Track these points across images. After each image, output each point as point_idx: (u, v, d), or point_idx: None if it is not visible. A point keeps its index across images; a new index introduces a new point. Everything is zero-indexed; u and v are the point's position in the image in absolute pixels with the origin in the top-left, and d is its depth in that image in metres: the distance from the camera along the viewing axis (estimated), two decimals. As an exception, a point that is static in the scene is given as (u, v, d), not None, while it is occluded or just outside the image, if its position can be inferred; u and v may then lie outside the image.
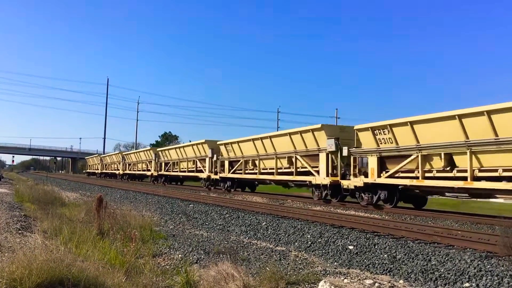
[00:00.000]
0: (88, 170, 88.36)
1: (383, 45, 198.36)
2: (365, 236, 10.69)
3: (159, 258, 10.07)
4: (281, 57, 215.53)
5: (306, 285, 7.10)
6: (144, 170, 52.90)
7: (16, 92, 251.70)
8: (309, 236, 11.48)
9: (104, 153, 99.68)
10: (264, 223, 13.74)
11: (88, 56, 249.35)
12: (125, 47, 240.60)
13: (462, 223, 14.66)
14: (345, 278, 7.49)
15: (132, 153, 59.75)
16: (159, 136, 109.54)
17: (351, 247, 9.90)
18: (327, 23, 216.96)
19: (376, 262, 8.75)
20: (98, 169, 77.75)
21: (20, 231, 10.61)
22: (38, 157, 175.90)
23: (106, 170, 71.63)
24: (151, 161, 49.77)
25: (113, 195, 27.84)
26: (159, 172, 47.59)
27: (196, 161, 38.13)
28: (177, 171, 42.98)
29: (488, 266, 7.57)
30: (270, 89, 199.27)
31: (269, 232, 12.63)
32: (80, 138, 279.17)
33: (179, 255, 9.90)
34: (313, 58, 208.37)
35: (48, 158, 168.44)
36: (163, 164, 46.78)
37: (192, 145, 38.98)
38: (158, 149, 49.77)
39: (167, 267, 9.30)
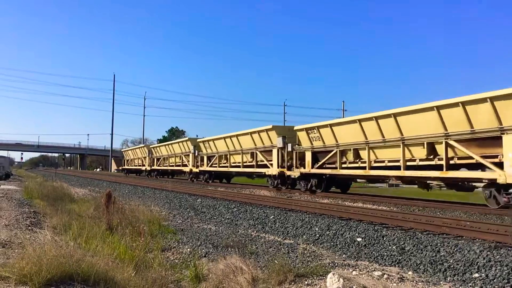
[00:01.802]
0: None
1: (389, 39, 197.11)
2: (373, 228, 10.67)
3: (168, 252, 10.10)
4: (288, 51, 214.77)
5: (315, 278, 7.09)
6: (178, 165, 46.58)
7: (24, 89, 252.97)
8: (317, 229, 11.48)
9: (111, 149, 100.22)
10: (272, 216, 13.75)
11: (93, 52, 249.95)
12: (131, 42, 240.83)
13: (470, 214, 14.60)
14: (354, 270, 7.49)
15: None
16: (166, 131, 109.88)
17: (359, 239, 9.89)
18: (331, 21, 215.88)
19: (385, 254, 8.74)
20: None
21: (29, 227, 10.68)
22: (46, 154, 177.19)
23: (128, 166, 66.17)
24: (189, 154, 43.43)
25: (122, 190, 27.96)
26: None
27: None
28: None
29: (498, 257, 7.54)
30: (278, 83, 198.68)
31: (277, 226, 12.64)
32: (88, 135, 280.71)
33: (188, 249, 9.93)
34: (321, 51, 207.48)
35: (56, 154, 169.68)
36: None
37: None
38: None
39: (176, 261, 9.34)
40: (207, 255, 9.30)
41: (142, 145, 55.92)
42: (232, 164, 34.24)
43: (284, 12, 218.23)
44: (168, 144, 48.59)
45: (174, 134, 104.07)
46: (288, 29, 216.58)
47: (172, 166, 48.14)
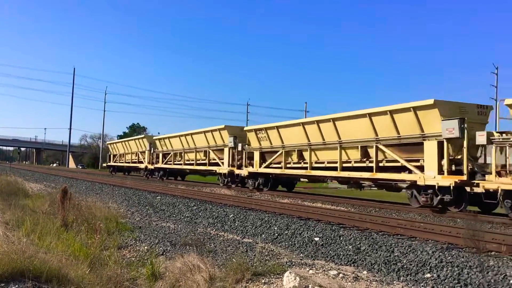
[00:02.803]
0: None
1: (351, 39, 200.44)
2: (331, 228, 10.84)
3: (124, 250, 9.96)
4: (253, 50, 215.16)
5: (272, 276, 7.14)
6: (199, 164, 33.25)
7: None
8: (276, 228, 11.56)
9: (69, 144, 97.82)
10: (232, 215, 13.76)
11: (53, 45, 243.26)
12: (92, 36, 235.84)
13: (425, 215, 15.01)
14: (310, 269, 7.57)
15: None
16: (127, 127, 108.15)
17: (317, 239, 10.02)
18: (296, 18, 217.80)
19: (341, 253, 8.88)
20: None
21: (-20, 223, 10.31)
22: (0, 147, 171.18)
23: (116, 162, 52.21)
24: (145, 152, 41.52)
25: (79, 186, 27.36)
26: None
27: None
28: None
29: (449, 258, 7.79)
30: (243, 82, 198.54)
31: (236, 224, 12.66)
32: (45, 129, 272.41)
33: (145, 247, 9.82)
34: (285, 52, 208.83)
35: (11, 148, 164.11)
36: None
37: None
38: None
39: (133, 259, 9.22)
40: (164, 253, 9.22)
41: (140, 135, 47.60)
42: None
43: (252, 11, 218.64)
44: (124, 141, 49.02)
45: (135, 130, 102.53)
46: (256, 29, 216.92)
47: (128, 162, 48.51)
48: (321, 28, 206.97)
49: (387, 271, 7.68)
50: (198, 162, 32.89)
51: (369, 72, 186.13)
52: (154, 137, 42.29)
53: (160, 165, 39.59)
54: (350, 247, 9.18)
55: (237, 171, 27.14)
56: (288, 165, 23.65)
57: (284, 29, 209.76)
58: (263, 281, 6.89)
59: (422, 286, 6.93)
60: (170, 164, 37.53)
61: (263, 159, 25.35)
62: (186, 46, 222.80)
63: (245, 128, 27.01)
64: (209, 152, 30.96)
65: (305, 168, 22.23)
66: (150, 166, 40.85)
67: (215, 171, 29.86)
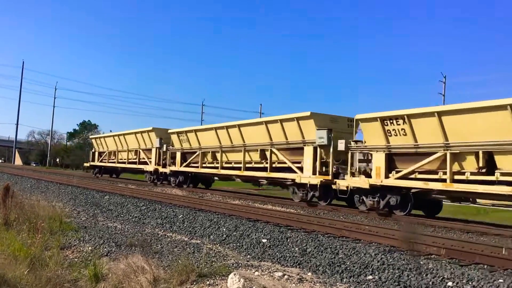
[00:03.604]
0: None
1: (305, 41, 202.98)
2: (279, 229, 10.93)
3: (67, 250, 9.70)
4: (210, 51, 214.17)
5: (217, 278, 7.13)
6: (130, 163, 35.25)
7: None
8: (224, 229, 11.54)
9: (16, 140, 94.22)
10: (181, 216, 13.64)
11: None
12: (42, 28, 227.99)
13: (371, 218, 15.38)
14: (256, 270, 7.60)
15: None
16: (77, 124, 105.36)
17: (264, 240, 10.07)
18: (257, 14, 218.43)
19: (288, 255, 8.96)
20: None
21: None
22: None
23: (104, 162, 41.20)
24: (150, 149, 32.00)
25: (24, 184, 26.43)
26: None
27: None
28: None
29: (391, 260, 8.00)
30: (199, 82, 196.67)
31: (185, 225, 12.56)
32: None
33: (89, 248, 9.58)
34: (242, 51, 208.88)
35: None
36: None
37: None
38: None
39: (76, 260, 9.00)
40: (109, 254, 9.03)
41: (146, 128, 32.87)
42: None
43: (206, 13, 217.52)
44: (118, 135, 37.65)
45: (86, 127, 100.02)
46: (210, 31, 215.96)
47: (123, 163, 38.07)
48: (275, 31, 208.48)
49: (331, 272, 7.81)
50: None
51: (319, 76, 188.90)
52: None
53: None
54: (296, 249, 9.28)
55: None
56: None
57: (238, 35, 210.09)
58: (207, 282, 6.87)
59: (364, 287, 7.09)
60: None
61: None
62: (137, 45, 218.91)
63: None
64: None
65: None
66: (163, 170, 30.21)
67: (292, 180, 27.39)
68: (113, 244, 9.70)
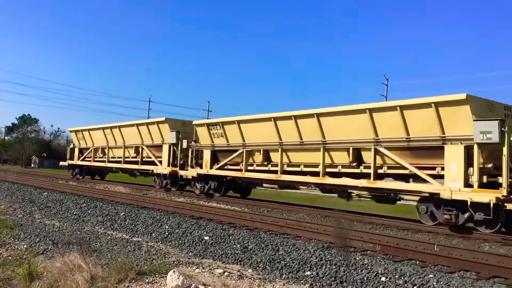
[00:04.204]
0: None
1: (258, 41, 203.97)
2: (222, 227, 10.97)
3: (1, 248, 9.37)
4: (160, 48, 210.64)
5: (157, 276, 7.07)
6: (128, 162, 27.84)
7: None
8: (167, 226, 11.46)
9: None
10: (123, 213, 13.42)
11: None
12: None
13: (313, 216, 15.69)
14: (197, 268, 7.60)
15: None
16: (16, 118, 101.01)
17: (206, 238, 10.09)
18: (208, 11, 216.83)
19: (229, 252, 9.02)
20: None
21: None
22: None
23: (89, 161, 32.54)
24: (160, 146, 24.87)
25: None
26: (69, 162, 34.93)
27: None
28: (89, 161, 32.11)
29: (328, 256, 8.23)
30: (147, 78, 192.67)
31: (126, 223, 12.36)
32: None
33: (24, 246, 9.27)
34: (190, 48, 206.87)
35: None
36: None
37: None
38: (70, 130, 35.97)
39: (10, 258, 8.68)
40: (45, 252, 8.78)
41: (153, 119, 27.28)
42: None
43: (157, 11, 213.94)
44: (110, 128, 29.53)
45: (26, 122, 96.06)
46: (159, 28, 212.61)
47: (116, 162, 29.33)
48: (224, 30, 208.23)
49: (271, 269, 7.94)
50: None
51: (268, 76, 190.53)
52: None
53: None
54: (238, 246, 9.36)
55: (183, 172, 22.54)
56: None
57: (191, 31, 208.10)
58: (147, 280, 6.80)
59: (302, 283, 7.25)
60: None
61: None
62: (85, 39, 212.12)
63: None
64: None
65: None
66: (185, 173, 22.58)
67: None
68: (50, 242, 9.43)
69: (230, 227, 10.99)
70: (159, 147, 24.08)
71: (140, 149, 26.09)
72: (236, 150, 19.71)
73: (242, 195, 22.39)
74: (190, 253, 9.24)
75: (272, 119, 17.71)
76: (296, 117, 16.96)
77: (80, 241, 9.27)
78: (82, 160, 33.17)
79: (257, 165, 18.94)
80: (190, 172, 22.07)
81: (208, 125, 21.25)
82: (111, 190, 22.40)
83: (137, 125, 26.49)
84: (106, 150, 30.18)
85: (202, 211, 13.73)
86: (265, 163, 18.55)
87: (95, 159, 31.52)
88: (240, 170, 19.46)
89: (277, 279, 7.41)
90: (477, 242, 11.64)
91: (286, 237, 10.02)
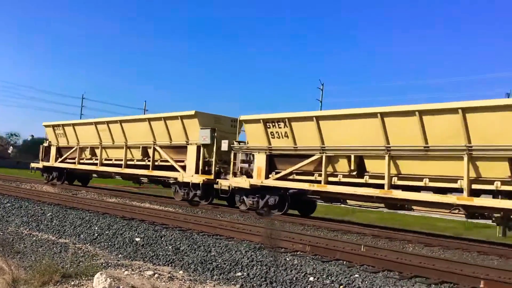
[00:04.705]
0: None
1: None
2: (154, 228, 10.82)
3: None
4: (98, 43, 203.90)
5: (83, 278, 6.90)
6: (131, 166, 22.82)
7: None
8: (96, 228, 11.15)
9: None
10: (50, 213, 12.90)
11: None
12: None
13: (247, 217, 15.82)
14: (126, 270, 7.48)
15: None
16: None
17: (138, 239, 9.91)
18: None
19: (160, 253, 8.92)
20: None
21: None
22: None
23: (64, 162, 26.98)
24: (183, 147, 19.89)
25: None
26: (45, 163, 27.91)
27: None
28: (73, 163, 26.00)
29: (260, 257, 8.33)
30: (78, 73, 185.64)
31: (53, 224, 11.90)
32: None
33: None
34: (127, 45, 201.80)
35: None
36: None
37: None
38: (45, 124, 28.45)
39: None
40: (-38, 254, 8.28)
41: (176, 112, 20.10)
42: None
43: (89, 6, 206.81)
44: (105, 123, 24.03)
45: None
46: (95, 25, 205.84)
47: (113, 165, 24.09)
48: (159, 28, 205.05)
49: (202, 270, 7.93)
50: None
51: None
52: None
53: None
54: (170, 247, 9.27)
55: (223, 182, 17.65)
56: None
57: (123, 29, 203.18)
58: (72, 283, 6.63)
59: (233, 284, 7.30)
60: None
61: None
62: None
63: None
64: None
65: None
66: (228, 183, 17.64)
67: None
68: (-32, 244, 8.91)
69: (163, 228, 10.86)
70: (180, 149, 19.71)
71: (151, 150, 21.09)
72: (308, 156, 15.32)
73: (303, 212, 17.87)
74: (120, 255, 9.05)
75: (379, 114, 13.45)
76: (421, 113, 12.82)
77: (2, 242, 8.85)
78: (62, 161, 26.69)
79: (344, 176, 14.62)
80: (238, 182, 16.96)
81: (265, 121, 16.31)
82: (38, 190, 21.47)
83: (149, 119, 21.19)
84: (98, 151, 24.39)
85: (134, 211, 13.47)
86: (354, 173, 14.47)
87: (81, 161, 25.56)
88: (315, 181, 15.03)
89: (207, 280, 7.43)
90: (402, 243, 12.22)
91: (219, 238, 10.04)
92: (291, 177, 15.84)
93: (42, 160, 27.46)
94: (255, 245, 9.30)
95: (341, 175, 14.61)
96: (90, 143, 24.85)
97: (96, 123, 24.26)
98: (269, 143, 16.25)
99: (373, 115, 13.69)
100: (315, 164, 15.16)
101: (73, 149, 25.76)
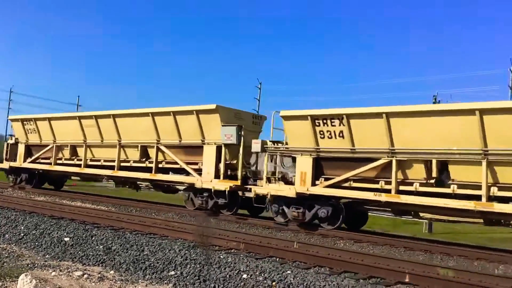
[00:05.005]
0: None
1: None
2: (84, 227, 10.51)
3: None
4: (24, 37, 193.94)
5: (7, 280, 6.59)
6: (125, 169, 19.22)
7: None
8: (22, 227, 10.67)
9: None
10: (-30, 213, 12.21)
11: None
12: None
13: (182, 215, 15.68)
14: (54, 271, 7.21)
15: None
16: None
17: (67, 239, 9.58)
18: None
19: (91, 253, 8.66)
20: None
21: None
22: None
23: (35, 162, 22.87)
24: (197, 147, 16.92)
25: None
26: (12, 164, 23.53)
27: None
28: (48, 163, 22.10)
29: (194, 255, 8.30)
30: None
31: (-25, 224, 11.27)
32: None
33: None
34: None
35: None
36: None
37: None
38: (12, 118, 24.78)
39: None
40: None
41: (191, 106, 16.80)
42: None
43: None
44: (93, 117, 20.24)
45: None
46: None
47: (102, 167, 20.19)
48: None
49: (135, 270, 7.78)
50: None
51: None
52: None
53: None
54: (101, 247, 9.03)
55: (258, 190, 14.75)
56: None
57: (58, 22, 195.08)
58: (-6, 285, 6.29)
59: (166, 283, 7.22)
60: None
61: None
62: None
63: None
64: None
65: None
66: (265, 190, 14.60)
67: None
68: None
69: (94, 227, 10.57)
70: (193, 149, 16.77)
71: (153, 150, 17.81)
72: (370, 159, 12.94)
73: (353, 225, 14.91)
74: (47, 256, 8.71)
75: (477, 112, 11.17)
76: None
77: None
78: (33, 162, 22.70)
79: (421, 184, 12.27)
80: (280, 190, 14.24)
81: (314, 118, 13.72)
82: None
83: (153, 114, 17.63)
84: (81, 150, 20.66)
85: (64, 210, 13.03)
86: (432, 181, 12.25)
87: (58, 162, 21.74)
88: (380, 190, 12.67)
89: (140, 280, 7.30)
90: (333, 240, 12.57)
91: (153, 237, 9.91)
92: (346, 184, 13.27)
93: (7, 160, 23.26)
94: (190, 243, 9.26)
95: (418, 183, 12.17)
96: (71, 140, 20.88)
97: (80, 118, 20.49)
98: (317, 144, 13.60)
99: (468, 112, 11.38)
100: (378, 170, 12.77)
101: (48, 147, 21.62)
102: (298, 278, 7.19)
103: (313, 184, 13.62)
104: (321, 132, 13.50)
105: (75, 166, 20.72)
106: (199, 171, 16.29)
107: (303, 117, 13.79)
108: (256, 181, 15.16)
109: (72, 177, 23.86)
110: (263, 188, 14.50)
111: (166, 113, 17.07)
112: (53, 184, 24.42)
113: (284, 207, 14.04)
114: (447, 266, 9.03)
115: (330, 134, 13.38)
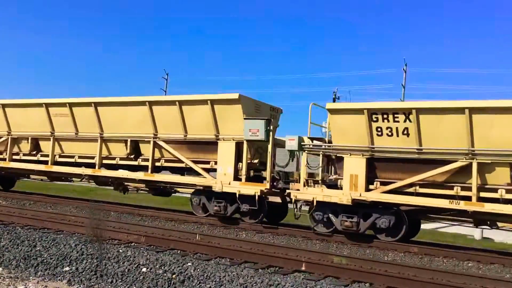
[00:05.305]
0: None
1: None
2: (-31, 223, 9.77)
3: None
4: None
5: None
6: (109, 167, 16.28)
7: None
8: None
9: None
10: None
11: None
12: None
13: (81, 208, 15.06)
14: None
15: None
16: None
17: None
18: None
19: (-24, 251, 8.08)
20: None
21: None
22: None
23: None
24: (208, 143, 14.27)
25: None
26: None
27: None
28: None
29: (91, 250, 8.03)
30: None
31: None
32: None
33: None
34: None
35: None
36: None
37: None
38: None
39: None
40: None
41: (205, 95, 14.15)
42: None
43: None
44: (75, 104, 16.65)
45: None
46: None
47: (82, 164, 16.86)
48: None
49: (25, 266, 7.37)
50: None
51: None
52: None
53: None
54: (-12, 243, 8.45)
55: (300, 196, 12.79)
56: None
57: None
58: None
59: (59, 279, 6.91)
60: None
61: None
62: None
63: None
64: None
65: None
66: (309, 196, 12.63)
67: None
68: None
69: (-20, 223, 9.86)
70: (202, 145, 14.25)
71: (148, 146, 14.98)
72: (441, 161, 11.25)
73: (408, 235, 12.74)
74: None
75: None
76: None
77: None
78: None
79: (507, 191, 10.69)
80: (329, 196, 12.28)
81: (371, 112, 11.96)
82: None
83: (150, 102, 14.87)
84: (47, 144, 17.35)
85: None
86: None
87: (15, 157, 18.20)
88: (456, 197, 11.07)
89: (31, 277, 6.93)
90: (236, 231, 12.76)
91: (47, 231, 9.45)
92: (411, 189, 11.56)
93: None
94: (86, 238, 8.94)
95: (504, 190, 10.59)
96: (33, 131, 17.40)
97: (47, 105, 16.78)
98: (372, 142, 11.84)
99: None
100: (449, 174, 11.21)
101: (2, 140, 18.01)
102: (198, 270, 7.22)
103: (367, 189, 11.91)
104: (379, 129, 11.78)
105: (40, 163, 17.38)
106: (211, 171, 14.04)
107: (357, 111, 12.02)
108: (288, 184, 13.20)
109: (32, 176, 19.34)
110: (306, 193, 12.52)
111: (170, 102, 14.56)
112: (2, 184, 20.34)
113: (330, 215, 12.21)
114: (341, 254, 9.55)
115: (391, 131, 11.68)
